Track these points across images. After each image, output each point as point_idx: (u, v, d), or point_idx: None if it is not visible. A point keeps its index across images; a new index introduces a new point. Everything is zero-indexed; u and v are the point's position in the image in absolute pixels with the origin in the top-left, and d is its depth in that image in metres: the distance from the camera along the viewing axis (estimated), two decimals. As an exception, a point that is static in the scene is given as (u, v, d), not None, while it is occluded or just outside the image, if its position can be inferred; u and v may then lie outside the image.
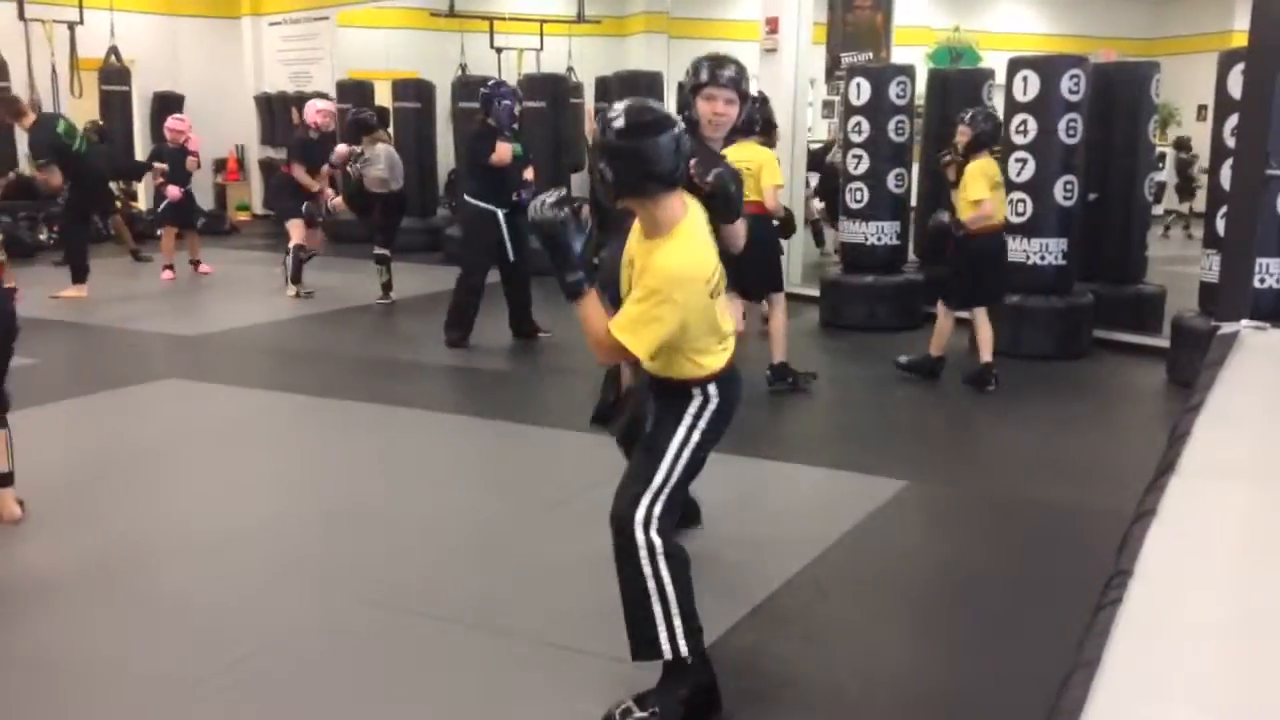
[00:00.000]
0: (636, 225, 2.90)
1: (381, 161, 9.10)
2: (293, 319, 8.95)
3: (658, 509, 2.87)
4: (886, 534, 4.41)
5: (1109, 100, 8.03)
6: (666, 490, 2.89)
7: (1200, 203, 13.53)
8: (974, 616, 3.71)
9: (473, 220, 7.76)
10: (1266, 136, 4.78)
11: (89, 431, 5.85)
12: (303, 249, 9.79)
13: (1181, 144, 15.91)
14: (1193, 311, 6.97)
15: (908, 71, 8.76)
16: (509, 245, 7.57)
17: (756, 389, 6.53)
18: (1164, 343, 7.25)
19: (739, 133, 6.14)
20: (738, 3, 16.59)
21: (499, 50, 15.80)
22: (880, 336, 8.17)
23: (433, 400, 6.49)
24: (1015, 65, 7.74)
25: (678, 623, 2.86)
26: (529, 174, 7.81)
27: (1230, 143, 6.13)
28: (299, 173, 9.72)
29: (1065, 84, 7.44)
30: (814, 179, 11.87)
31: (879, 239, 8.61)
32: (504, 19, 15.98)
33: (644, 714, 2.87)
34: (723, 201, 3.18)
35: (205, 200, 13.95)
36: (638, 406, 3.10)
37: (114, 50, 13.89)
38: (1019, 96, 7.57)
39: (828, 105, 15.01)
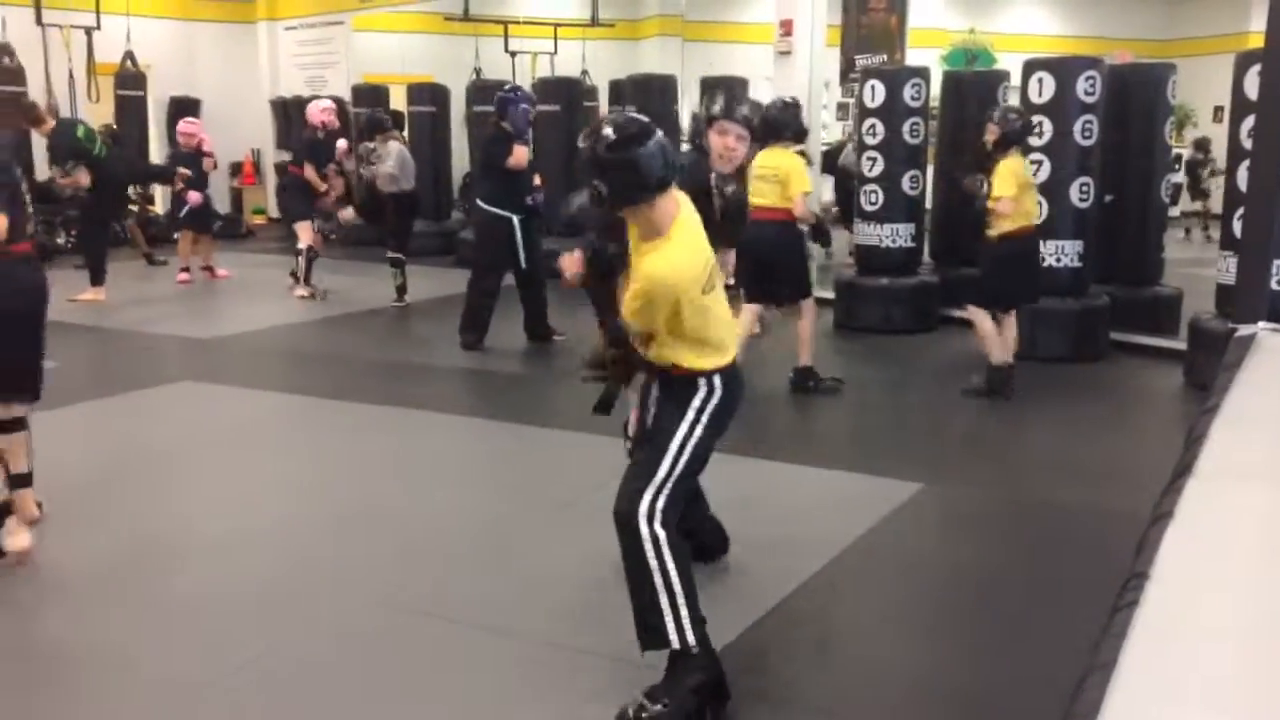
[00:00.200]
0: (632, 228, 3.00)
1: (392, 158, 9.14)
2: (307, 322, 8.98)
3: (661, 501, 2.94)
4: (902, 536, 4.40)
5: (1125, 102, 7.99)
6: (670, 484, 2.96)
7: (1215, 204, 13.47)
8: (990, 618, 3.70)
9: (486, 224, 7.76)
10: (1284, 137, 4.76)
11: (105, 433, 5.89)
12: (313, 250, 9.85)
13: (1201, 145, 15.82)
14: (1210, 314, 6.93)
15: (922, 74, 8.74)
16: (521, 250, 7.58)
17: (777, 391, 6.53)
18: (1181, 345, 7.20)
19: (772, 138, 6.23)
20: (752, 5, 16.57)
21: (513, 54, 15.83)
22: (895, 339, 8.15)
23: (446, 403, 6.50)
24: (1030, 67, 7.72)
25: (684, 612, 2.92)
26: (537, 180, 7.82)
27: (1247, 144, 6.09)
28: (309, 173, 9.77)
29: (1081, 86, 7.41)
30: (828, 185, 11.85)
31: (894, 241, 8.58)
32: (518, 23, 16.00)
33: (657, 707, 2.89)
34: (730, 223, 3.40)
35: (221, 204, 14.00)
36: (613, 383, 3.16)
37: (130, 55, 13.97)
38: (1034, 98, 7.55)
39: (842, 108, 14.98)
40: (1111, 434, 5.94)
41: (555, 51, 16.35)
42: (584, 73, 14.98)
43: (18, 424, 4.08)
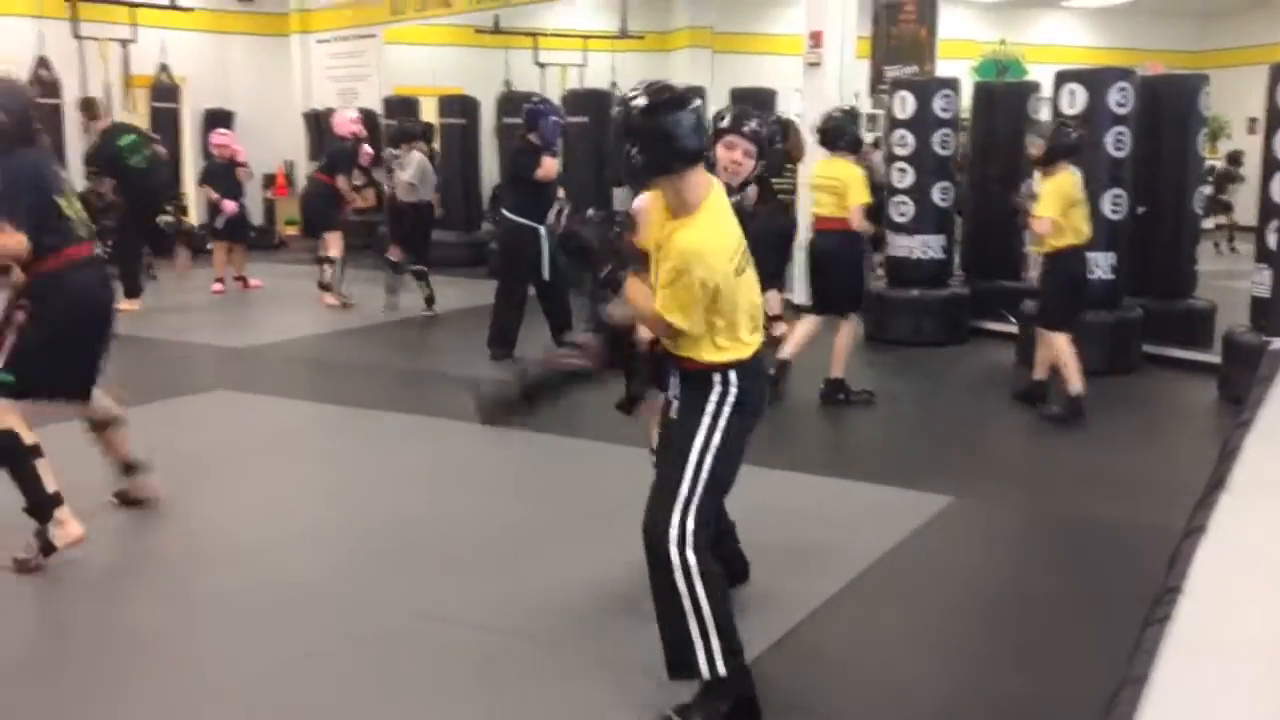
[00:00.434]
0: (656, 212, 2.90)
1: (412, 167, 9.23)
2: (337, 332, 9.05)
3: (690, 523, 2.82)
4: (932, 549, 4.38)
5: (1157, 113, 7.94)
6: (696, 499, 2.84)
7: (1239, 216, 13.32)
8: (1021, 633, 3.68)
9: (512, 235, 7.76)
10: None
11: (140, 441, 5.90)
12: (334, 260, 9.92)
13: (1233, 158, 15.67)
14: (1244, 327, 6.86)
15: (952, 85, 8.72)
16: (545, 261, 7.57)
17: (807, 403, 6.52)
18: (1215, 358, 7.14)
19: (830, 146, 6.30)
20: (782, 17, 16.57)
21: (543, 66, 15.92)
22: (926, 351, 8.11)
23: (474, 412, 6.50)
24: (1062, 78, 7.68)
25: (715, 643, 2.82)
26: (561, 193, 7.84)
27: (1281, 155, 6.04)
28: (342, 183, 9.86)
29: (1113, 97, 7.37)
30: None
31: (924, 253, 8.56)
32: (548, 35, 16.09)
33: (687, 727, 2.85)
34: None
35: (255, 215, 14.12)
36: (639, 385, 3.16)
37: (164, 67, 14.14)
38: (1066, 110, 7.50)
39: (872, 119, 14.95)
40: (1144, 448, 5.89)
41: (584, 63, 16.42)
42: (613, 84, 15.04)
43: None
